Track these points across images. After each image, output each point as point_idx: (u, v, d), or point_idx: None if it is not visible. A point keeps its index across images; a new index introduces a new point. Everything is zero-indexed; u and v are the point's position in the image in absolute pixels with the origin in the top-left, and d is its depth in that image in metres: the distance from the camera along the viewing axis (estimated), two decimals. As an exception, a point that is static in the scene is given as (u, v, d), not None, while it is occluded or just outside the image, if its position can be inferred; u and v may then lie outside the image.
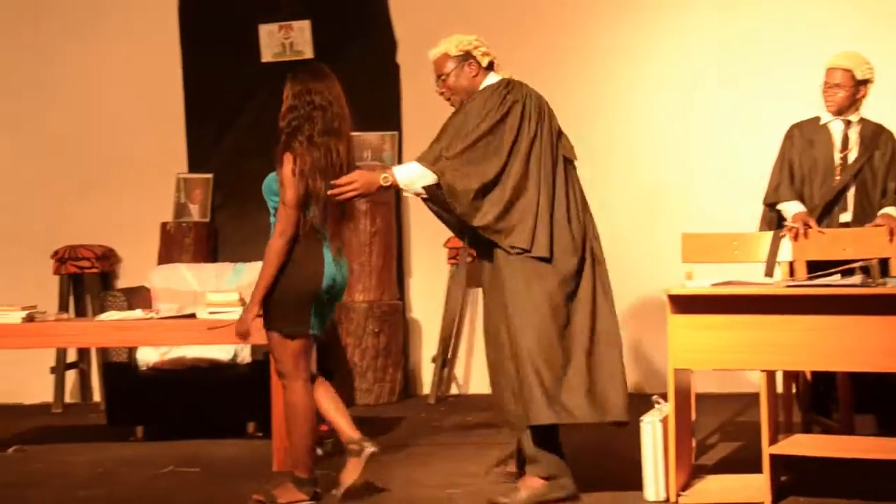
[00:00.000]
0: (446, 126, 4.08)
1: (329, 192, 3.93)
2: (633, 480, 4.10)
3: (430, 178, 3.94)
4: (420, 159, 3.99)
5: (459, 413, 5.89)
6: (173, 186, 6.59)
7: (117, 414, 5.35)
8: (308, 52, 6.67)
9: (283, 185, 3.96)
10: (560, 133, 4.15)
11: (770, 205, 4.86)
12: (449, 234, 6.34)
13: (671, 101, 6.39)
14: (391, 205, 6.46)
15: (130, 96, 6.71)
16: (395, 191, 6.13)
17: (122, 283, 6.55)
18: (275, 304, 3.97)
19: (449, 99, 4.20)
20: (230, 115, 6.70)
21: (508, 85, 4.10)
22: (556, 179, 4.04)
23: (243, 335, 4.02)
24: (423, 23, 6.63)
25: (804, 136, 4.83)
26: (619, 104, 6.48)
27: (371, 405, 6.18)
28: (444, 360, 6.43)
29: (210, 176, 6.62)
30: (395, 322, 6.35)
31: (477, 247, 4.15)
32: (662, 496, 3.93)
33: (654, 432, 3.96)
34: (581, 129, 6.48)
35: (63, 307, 6.33)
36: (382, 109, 6.63)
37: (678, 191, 6.37)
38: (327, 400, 4.07)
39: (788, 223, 4.68)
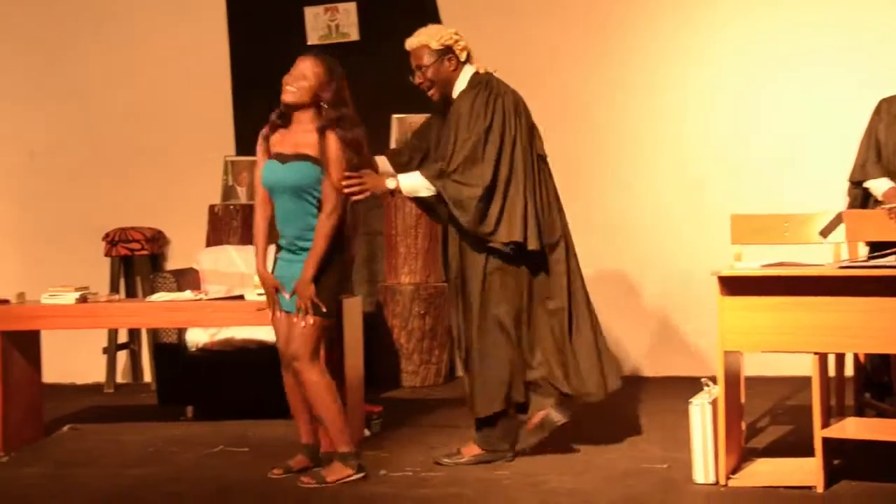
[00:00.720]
0: (440, 138, 4.28)
1: (344, 185, 4.03)
2: (682, 463, 4.09)
3: (431, 190, 4.21)
4: (423, 172, 4.23)
5: (506, 395, 5.88)
6: (221, 169, 6.63)
7: (167, 394, 5.41)
8: (353, 34, 6.67)
9: (333, 164, 4.01)
10: (533, 127, 4.40)
11: (856, 182, 4.74)
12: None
13: (719, 87, 6.33)
14: (437, 187, 6.45)
15: (179, 80, 6.76)
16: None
17: (171, 264, 6.62)
18: (317, 290, 4.01)
19: (428, 89, 4.35)
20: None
21: (488, 85, 4.29)
22: (535, 174, 4.33)
23: (310, 297, 4.00)
24: (468, 4, 6.62)
25: (892, 111, 4.69)
26: (667, 87, 6.41)
27: (417, 387, 6.19)
28: (490, 343, 6.42)
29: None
30: (441, 304, 6.35)
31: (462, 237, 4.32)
32: (712, 479, 3.90)
33: (702, 415, 3.92)
34: (628, 112, 6.49)
35: (114, 289, 6.42)
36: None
37: (727, 174, 6.31)
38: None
39: (883, 203, 4.55)
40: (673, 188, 6.38)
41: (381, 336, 6.23)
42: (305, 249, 4.08)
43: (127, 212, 6.65)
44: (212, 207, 6.55)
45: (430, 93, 4.35)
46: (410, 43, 4.35)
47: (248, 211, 6.53)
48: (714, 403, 3.92)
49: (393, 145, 6.59)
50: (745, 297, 3.86)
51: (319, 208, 4.06)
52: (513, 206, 4.22)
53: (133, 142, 6.76)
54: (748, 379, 4.41)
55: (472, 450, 4.34)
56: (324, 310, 4.03)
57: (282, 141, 4.12)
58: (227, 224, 6.48)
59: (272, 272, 4.17)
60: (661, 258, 6.38)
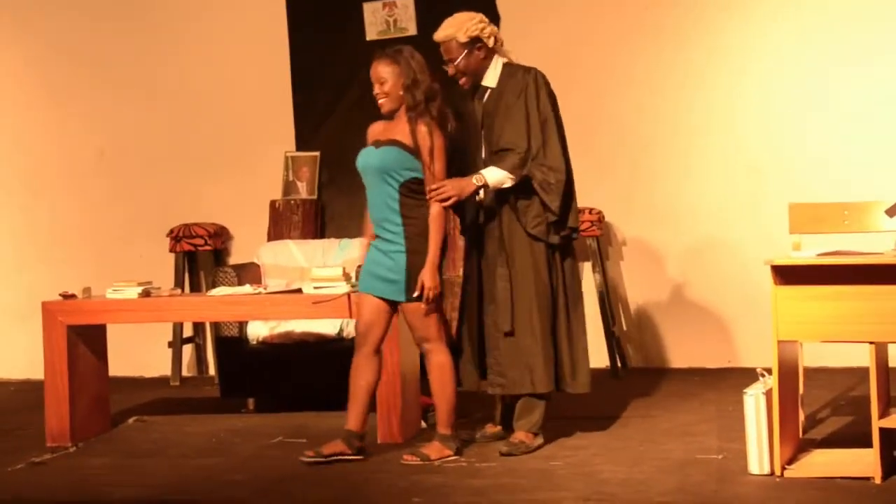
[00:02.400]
0: (506, 128, 4.30)
1: (429, 197, 4.17)
2: (737, 453, 4.06)
3: (514, 179, 4.27)
4: (504, 166, 4.28)
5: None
6: (282, 164, 6.72)
7: (230, 387, 5.51)
8: (412, 29, 6.70)
9: (438, 156, 4.18)
10: None
11: None
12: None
13: (776, 73, 6.24)
14: (495, 180, 6.46)
15: (240, 77, 6.86)
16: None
17: (233, 259, 6.73)
18: (416, 276, 4.18)
19: (461, 81, 4.38)
20: (336, 94, 6.79)
21: (534, 73, 4.36)
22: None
23: (435, 285, 4.18)
24: (526, -4, 6.63)
25: None
26: (722, 73, 6.35)
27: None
28: (550, 334, 6.41)
29: (317, 154, 6.73)
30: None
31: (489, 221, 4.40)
32: (767, 469, 3.87)
33: (757, 405, 3.89)
34: (682, 100, 6.44)
35: (178, 283, 6.54)
36: (485, 85, 6.63)
37: (784, 161, 6.23)
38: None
39: None
40: (728, 176, 6.31)
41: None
42: (384, 238, 4.24)
43: (191, 208, 6.79)
44: (273, 203, 6.64)
45: (461, 82, 4.38)
46: (438, 36, 4.38)
47: (307, 206, 6.62)
48: (769, 394, 3.89)
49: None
50: (800, 286, 3.81)
51: (403, 195, 4.19)
52: (573, 193, 4.37)
53: (196, 140, 6.88)
54: (810, 370, 4.38)
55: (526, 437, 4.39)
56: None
57: (384, 130, 4.30)
58: (288, 219, 6.57)
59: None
60: (716, 246, 6.32)
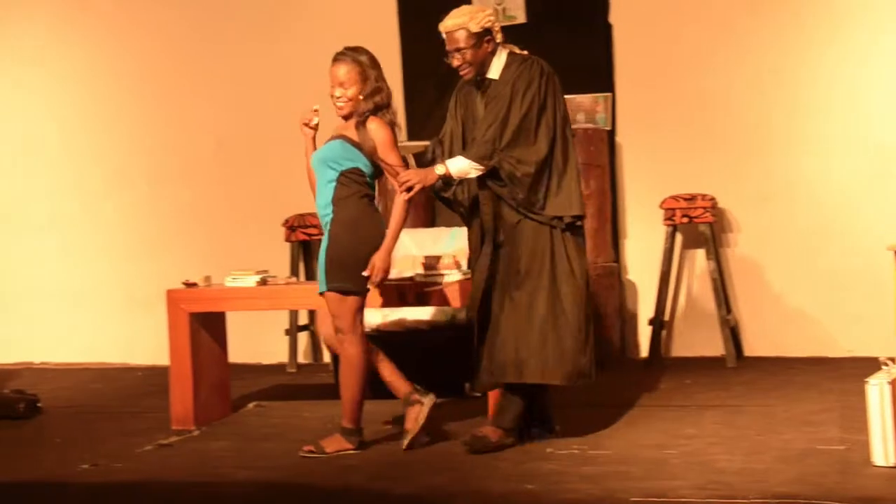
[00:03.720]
0: (486, 117, 4.25)
1: (400, 187, 4.26)
2: (860, 444, 3.96)
3: (480, 169, 4.20)
4: (466, 154, 4.23)
5: (676, 375, 5.83)
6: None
7: (345, 373, 5.59)
8: (521, 17, 6.69)
9: (389, 150, 4.32)
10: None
11: None
12: (665, 194, 6.31)
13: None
14: (605, 167, 6.42)
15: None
16: (609, 153, 6.26)
17: (346, 248, 6.83)
18: (337, 264, 4.26)
19: (464, 71, 4.32)
20: (446, 84, 6.76)
21: (537, 63, 4.26)
22: (573, 148, 4.33)
23: (384, 271, 4.30)
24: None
25: None
26: (848, 52, 6.18)
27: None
28: (661, 322, 6.36)
29: (427, 143, 6.76)
30: (610, 284, 6.33)
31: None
32: (892, 461, 3.76)
33: (881, 395, 3.79)
34: (803, 76, 6.27)
35: (294, 272, 6.69)
36: (594, 71, 6.58)
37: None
38: (384, 363, 4.48)
39: None
40: (851, 156, 6.14)
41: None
42: (326, 224, 4.36)
43: (305, 198, 6.86)
44: (384, 192, 6.72)
45: (464, 72, 4.33)
46: (446, 25, 4.32)
47: (418, 194, 6.64)
48: (894, 383, 3.78)
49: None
50: (926, 272, 3.69)
51: (340, 182, 4.31)
52: (570, 181, 4.25)
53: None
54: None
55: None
56: (345, 287, 4.30)
57: (337, 129, 4.44)
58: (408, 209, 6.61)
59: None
60: (837, 230, 6.16)
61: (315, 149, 4.50)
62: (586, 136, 6.34)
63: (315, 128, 4.52)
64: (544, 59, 6.51)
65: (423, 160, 4.54)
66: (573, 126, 6.39)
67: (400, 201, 4.32)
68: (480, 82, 4.36)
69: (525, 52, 4.38)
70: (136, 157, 7.32)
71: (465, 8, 4.38)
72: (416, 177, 4.28)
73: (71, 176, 7.41)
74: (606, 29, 6.62)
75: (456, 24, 4.29)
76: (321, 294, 4.40)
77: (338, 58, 4.39)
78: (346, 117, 4.39)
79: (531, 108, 4.21)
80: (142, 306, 7.01)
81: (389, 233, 4.37)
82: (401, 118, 6.85)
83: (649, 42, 6.54)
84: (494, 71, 4.32)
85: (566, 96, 6.52)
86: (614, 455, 4.15)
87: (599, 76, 6.58)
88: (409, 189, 4.26)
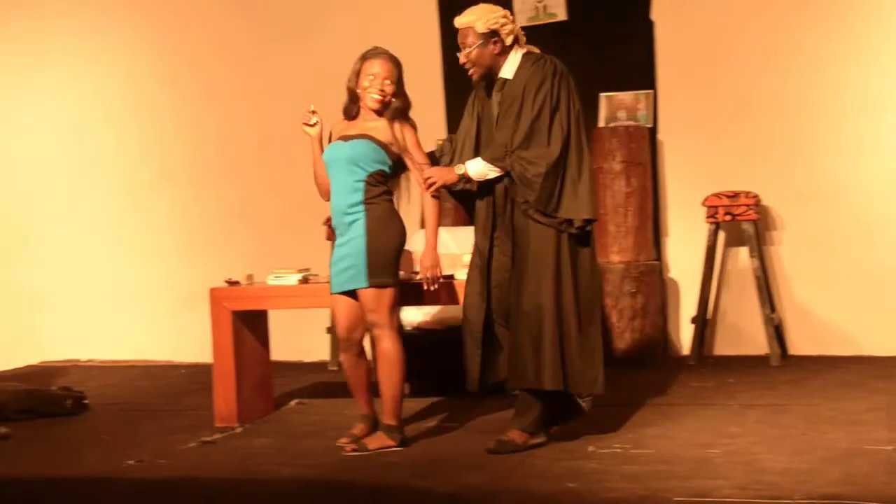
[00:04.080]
0: (498, 118, 4.25)
1: (426, 185, 4.33)
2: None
3: (497, 171, 4.21)
4: (484, 156, 4.22)
5: (719, 374, 5.78)
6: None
7: (385, 371, 5.60)
8: (561, 14, 6.68)
9: (418, 149, 4.42)
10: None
11: None
12: (707, 192, 6.26)
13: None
14: (646, 165, 6.39)
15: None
16: (651, 150, 6.22)
17: (388, 247, 6.85)
18: (378, 259, 4.32)
19: (469, 70, 4.32)
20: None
21: (551, 63, 4.22)
22: (589, 149, 4.28)
23: (434, 267, 4.44)
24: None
25: None
26: (893, 61, 6.14)
27: (629, 365, 6.16)
28: (704, 321, 6.31)
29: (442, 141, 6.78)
30: (652, 282, 6.29)
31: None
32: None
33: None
34: (852, 75, 6.20)
35: (335, 271, 6.70)
36: (636, 68, 6.56)
37: None
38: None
39: None
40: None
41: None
42: (342, 232, 4.42)
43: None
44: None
45: (470, 73, 4.34)
46: (458, 21, 4.34)
47: (458, 193, 6.67)
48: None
49: (602, 123, 6.58)
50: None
51: (369, 183, 4.36)
52: (584, 183, 4.18)
53: (350, 130, 7.03)
54: None
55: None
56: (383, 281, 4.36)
57: (349, 127, 4.47)
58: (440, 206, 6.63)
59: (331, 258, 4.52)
60: (886, 228, 6.08)
61: (322, 149, 4.54)
62: (627, 133, 6.31)
63: (315, 125, 4.55)
64: (585, 56, 6.56)
65: (433, 158, 4.57)
66: (614, 124, 6.48)
67: (430, 200, 4.42)
68: (495, 82, 4.35)
69: (538, 52, 4.36)
70: (181, 156, 7.40)
71: (479, 7, 4.36)
72: (438, 175, 4.33)
73: (121, 175, 7.51)
74: (648, 26, 6.59)
75: (464, 23, 4.32)
76: (341, 293, 4.44)
77: (382, 54, 4.45)
78: (379, 111, 4.42)
79: (543, 108, 4.18)
80: (187, 304, 7.08)
81: (429, 231, 4.44)
82: (440, 115, 6.91)
83: (691, 39, 6.50)
84: (508, 71, 4.31)
85: (607, 94, 6.63)
86: (657, 454, 4.13)
87: (641, 73, 6.56)
88: (431, 184, 4.32)
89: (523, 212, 4.23)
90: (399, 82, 4.43)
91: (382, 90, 4.39)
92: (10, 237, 7.64)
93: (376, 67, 4.40)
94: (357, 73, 4.45)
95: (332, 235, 6.76)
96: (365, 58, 4.45)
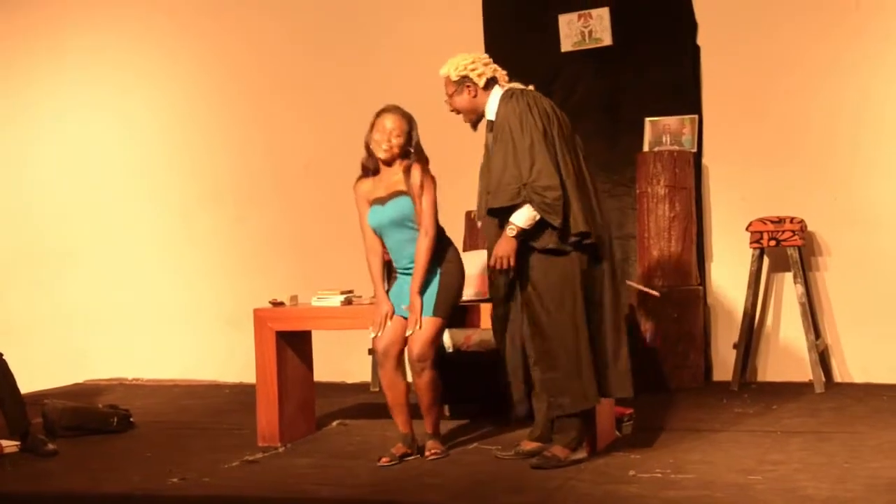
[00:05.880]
0: (495, 164, 4.38)
1: (492, 267, 4.44)
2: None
3: (531, 209, 4.28)
4: (500, 203, 4.31)
5: (762, 400, 5.73)
6: (477, 175, 6.81)
7: (426, 393, 5.62)
8: (607, 39, 6.70)
9: (425, 189, 4.63)
10: (573, 132, 4.44)
11: None
12: (751, 217, 6.23)
13: None
14: (690, 189, 6.37)
15: (437, 88, 6.99)
16: (695, 174, 6.22)
17: (430, 269, 6.88)
18: (448, 294, 4.62)
19: (463, 117, 4.54)
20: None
21: (523, 96, 4.36)
22: (581, 169, 4.37)
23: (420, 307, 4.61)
24: (725, 2, 6.50)
25: None
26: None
27: (671, 390, 6.13)
28: (747, 347, 6.27)
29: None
30: (695, 307, 6.27)
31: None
32: None
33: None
34: (891, 96, 6.15)
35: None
36: (681, 92, 6.56)
37: None
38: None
39: None
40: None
41: (635, 339, 6.21)
42: (410, 270, 4.67)
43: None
44: (468, 213, 6.76)
45: (463, 118, 4.54)
46: (441, 72, 4.53)
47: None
48: None
49: (646, 148, 6.58)
50: None
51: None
52: (574, 200, 4.28)
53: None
54: None
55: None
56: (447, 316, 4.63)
57: (375, 188, 4.74)
58: (478, 230, 6.65)
59: (390, 290, 4.80)
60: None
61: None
62: (672, 158, 6.31)
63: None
64: (631, 80, 6.57)
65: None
66: (658, 148, 6.48)
67: (424, 245, 4.61)
68: (485, 123, 4.53)
69: (513, 86, 4.48)
70: (228, 177, 7.51)
71: (455, 56, 4.56)
72: (502, 251, 4.35)
73: (168, 194, 7.62)
74: (694, 50, 6.59)
75: (442, 73, 4.56)
76: (406, 317, 4.64)
77: (394, 109, 4.74)
78: (388, 162, 4.68)
79: (532, 137, 4.31)
80: (231, 324, 7.15)
81: (415, 276, 4.68)
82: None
83: (737, 63, 6.49)
84: (491, 111, 4.49)
85: (652, 118, 6.62)
86: (698, 479, 4.11)
87: (686, 98, 6.55)
88: (504, 265, 4.36)
89: (529, 248, 4.34)
90: (410, 136, 4.68)
91: (390, 142, 4.65)
92: (59, 256, 7.78)
93: (387, 122, 4.68)
94: (371, 128, 4.74)
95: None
96: (378, 114, 4.74)
